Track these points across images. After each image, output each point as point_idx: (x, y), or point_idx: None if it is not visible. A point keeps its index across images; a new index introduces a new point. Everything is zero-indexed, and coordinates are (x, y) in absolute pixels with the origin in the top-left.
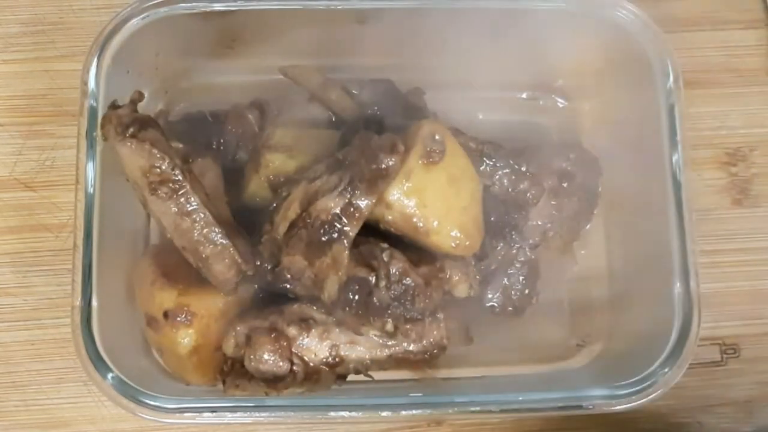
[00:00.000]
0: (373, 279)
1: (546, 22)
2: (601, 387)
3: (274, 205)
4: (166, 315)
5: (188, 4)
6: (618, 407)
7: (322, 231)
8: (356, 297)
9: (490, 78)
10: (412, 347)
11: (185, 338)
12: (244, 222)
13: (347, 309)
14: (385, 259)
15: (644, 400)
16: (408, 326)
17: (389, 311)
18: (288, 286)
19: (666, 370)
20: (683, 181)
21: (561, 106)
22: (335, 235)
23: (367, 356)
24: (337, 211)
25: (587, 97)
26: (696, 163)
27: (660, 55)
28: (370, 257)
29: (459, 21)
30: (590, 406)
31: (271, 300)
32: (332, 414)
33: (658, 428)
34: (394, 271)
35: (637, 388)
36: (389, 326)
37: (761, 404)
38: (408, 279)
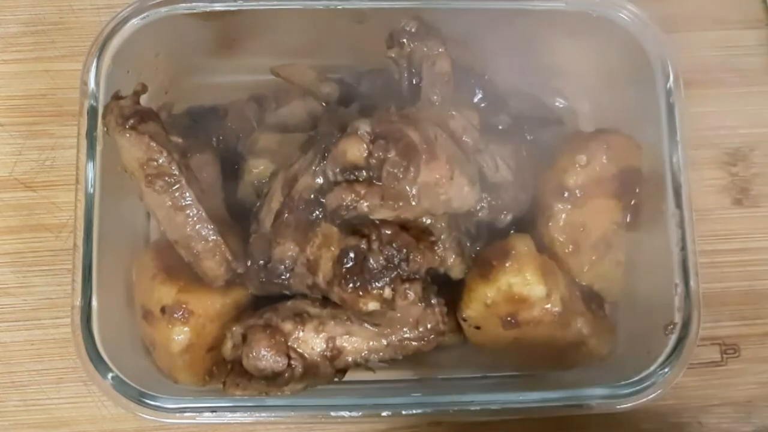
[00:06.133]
0: (365, 245)
1: (546, 22)
2: (601, 387)
3: (258, 204)
4: (163, 310)
5: (188, 4)
6: (618, 407)
7: (308, 210)
8: (351, 265)
9: (489, 78)
10: (408, 334)
11: (179, 335)
12: (241, 221)
13: (343, 283)
14: (376, 221)
15: (644, 400)
16: (405, 286)
17: (385, 275)
18: (283, 279)
19: (666, 370)
20: (683, 181)
21: (561, 106)
22: (322, 211)
23: (364, 346)
24: (320, 182)
25: (587, 97)
26: (696, 163)
27: (660, 55)
28: (360, 225)
29: (458, 21)
30: (590, 406)
31: (267, 304)
32: (332, 414)
33: (658, 428)
34: (385, 231)
35: (637, 388)
36: (387, 292)
37: (761, 404)
38: (399, 240)
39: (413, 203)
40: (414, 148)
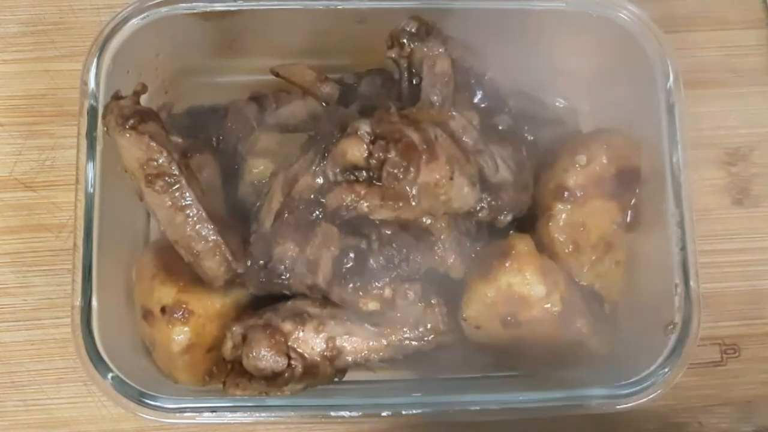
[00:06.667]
0: (365, 245)
1: (546, 22)
2: (601, 387)
3: (258, 204)
4: (163, 310)
5: (188, 4)
6: (618, 407)
7: (308, 210)
8: (351, 265)
9: (489, 78)
10: (408, 334)
11: (179, 335)
12: (241, 221)
13: (343, 283)
14: (376, 221)
15: (644, 400)
16: (405, 286)
17: (384, 274)
18: (283, 279)
19: (666, 370)
20: (683, 181)
21: (561, 106)
22: (322, 211)
23: (364, 346)
24: (320, 182)
25: (587, 97)
26: (696, 163)
27: (660, 55)
28: (360, 225)
29: (458, 21)
30: (590, 406)
31: (267, 304)
32: (332, 414)
33: (658, 428)
34: (385, 231)
35: (637, 388)
36: (387, 292)
37: (761, 404)
38: (399, 240)
39: (413, 203)
40: (414, 149)
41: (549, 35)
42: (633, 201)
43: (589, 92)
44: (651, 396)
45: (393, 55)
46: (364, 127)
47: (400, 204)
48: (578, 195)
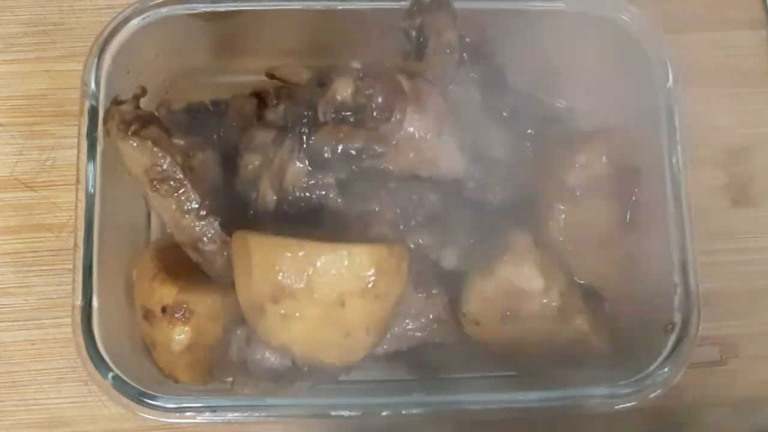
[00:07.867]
0: None
1: (546, 22)
2: (601, 387)
3: (252, 212)
4: (164, 310)
5: (188, 5)
6: (618, 407)
7: (304, 196)
8: None
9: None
10: (411, 325)
11: (180, 335)
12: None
13: None
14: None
15: (644, 400)
16: None
17: None
18: None
19: (666, 370)
20: (683, 181)
21: (561, 106)
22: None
23: None
24: (307, 164)
25: (587, 97)
26: (696, 163)
27: (660, 56)
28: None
29: (459, 22)
30: (590, 406)
31: None
32: (332, 414)
33: (657, 428)
34: None
35: (637, 388)
36: None
37: (761, 404)
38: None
39: (395, 152)
40: (401, 93)
41: (549, 35)
42: (633, 200)
43: (589, 92)
44: (651, 396)
45: (405, 25)
46: (355, 65)
47: (381, 150)
48: (578, 194)
